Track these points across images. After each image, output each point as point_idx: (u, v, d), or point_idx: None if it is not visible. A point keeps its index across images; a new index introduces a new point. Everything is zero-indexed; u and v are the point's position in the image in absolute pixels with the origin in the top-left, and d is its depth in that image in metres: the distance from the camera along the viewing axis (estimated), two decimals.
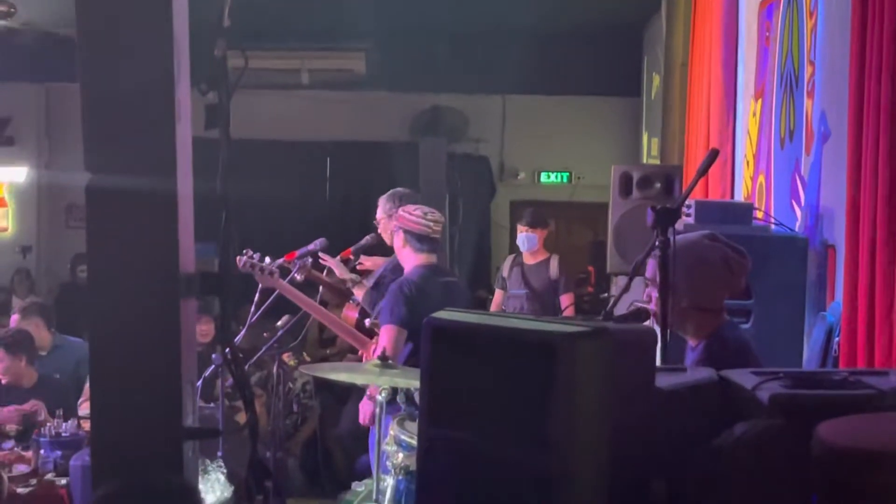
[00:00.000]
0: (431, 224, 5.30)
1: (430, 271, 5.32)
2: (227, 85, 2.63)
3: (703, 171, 3.71)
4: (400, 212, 5.39)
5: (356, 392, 7.64)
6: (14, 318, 7.25)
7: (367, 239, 6.11)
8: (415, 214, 5.31)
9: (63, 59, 9.84)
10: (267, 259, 5.62)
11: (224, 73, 2.64)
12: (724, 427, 2.36)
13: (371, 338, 5.59)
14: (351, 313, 6.01)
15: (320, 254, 5.94)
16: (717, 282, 3.41)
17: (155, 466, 2.51)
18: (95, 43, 2.60)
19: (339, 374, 4.84)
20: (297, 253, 5.83)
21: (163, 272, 2.57)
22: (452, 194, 11.35)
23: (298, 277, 5.76)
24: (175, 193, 2.58)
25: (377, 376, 4.30)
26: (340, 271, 5.98)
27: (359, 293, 5.89)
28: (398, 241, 5.38)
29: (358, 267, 6.16)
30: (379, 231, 5.91)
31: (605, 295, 8.78)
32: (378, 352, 4.57)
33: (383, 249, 6.07)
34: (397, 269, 5.61)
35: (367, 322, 5.66)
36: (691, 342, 3.47)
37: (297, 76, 11.86)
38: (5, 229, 13.00)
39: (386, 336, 5.11)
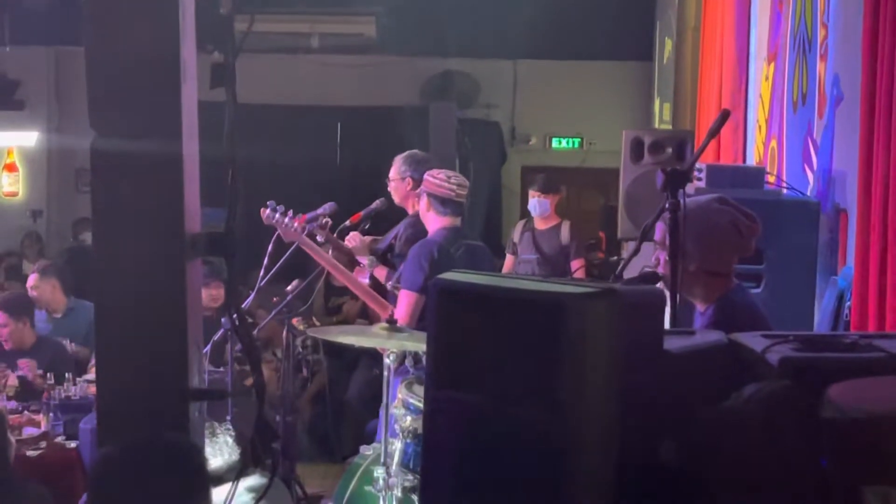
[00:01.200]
0: (455, 187, 5.31)
1: (453, 233, 5.34)
2: (233, 43, 2.61)
3: (715, 132, 3.69)
4: (426, 176, 5.41)
5: (365, 358, 7.66)
6: (32, 277, 7.28)
7: (376, 203, 6.08)
8: (438, 178, 5.34)
9: (72, 22, 9.81)
10: (290, 212, 5.57)
11: (230, 31, 2.61)
12: (734, 389, 2.35)
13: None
14: (362, 277, 5.99)
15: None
16: (726, 245, 3.39)
17: (161, 427, 2.51)
18: (101, 3, 2.58)
19: (348, 336, 4.85)
20: (307, 217, 5.79)
21: (168, 232, 2.56)
22: (463, 159, 11.29)
23: (320, 238, 5.73)
24: (180, 153, 2.57)
25: (386, 339, 4.30)
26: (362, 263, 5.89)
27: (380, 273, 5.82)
28: (423, 205, 5.41)
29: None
30: (390, 190, 5.89)
31: (615, 258, 8.76)
32: (395, 315, 4.56)
33: (392, 214, 6.05)
34: (411, 238, 5.59)
35: (389, 285, 5.64)
36: (700, 306, 3.46)
37: (306, 40, 11.81)
38: (16, 193, 13.03)
39: (403, 302, 5.12)
